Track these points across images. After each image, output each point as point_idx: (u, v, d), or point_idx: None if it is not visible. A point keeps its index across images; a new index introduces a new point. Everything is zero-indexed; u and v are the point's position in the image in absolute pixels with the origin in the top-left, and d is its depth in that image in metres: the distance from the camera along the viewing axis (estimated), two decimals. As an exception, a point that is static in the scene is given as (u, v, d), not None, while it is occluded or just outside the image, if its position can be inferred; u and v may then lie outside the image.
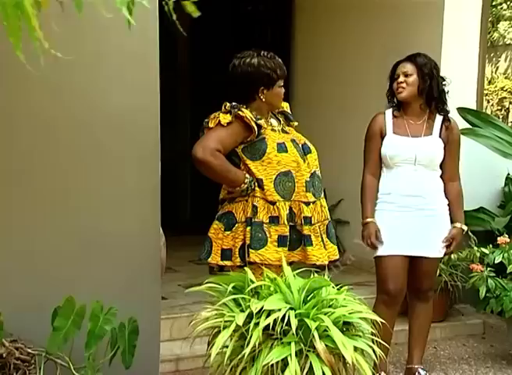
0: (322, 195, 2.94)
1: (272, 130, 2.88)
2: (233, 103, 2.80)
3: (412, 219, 3.37)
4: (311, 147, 2.96)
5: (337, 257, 2.95)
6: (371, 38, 5.31)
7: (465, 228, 3.48)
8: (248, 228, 2.76)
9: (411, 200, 3.38)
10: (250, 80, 2.83)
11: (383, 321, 2.56)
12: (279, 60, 2.89)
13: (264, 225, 2.76)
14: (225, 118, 2.75)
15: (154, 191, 3.01)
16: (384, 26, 5.18)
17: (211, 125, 2.77)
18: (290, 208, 2.80)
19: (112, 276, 2.92)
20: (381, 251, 3.40)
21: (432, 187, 3.41)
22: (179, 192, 7.20)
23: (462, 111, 4.55)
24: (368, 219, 3.40)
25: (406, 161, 3.38)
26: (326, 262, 2.84)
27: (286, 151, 2.82)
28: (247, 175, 2.79)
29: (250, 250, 2.73)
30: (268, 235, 2.75)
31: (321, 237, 2.87)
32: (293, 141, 2.89)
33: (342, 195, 5.50)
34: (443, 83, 3.42)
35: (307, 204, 2.83)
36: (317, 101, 5.92)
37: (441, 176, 3.45)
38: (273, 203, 2.78)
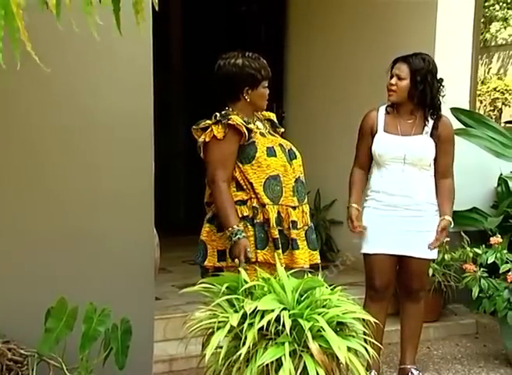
0: (306, 201, 2.96)
1: (261, 133, 2.89)
2: (222, 112, 2.82)
3: (399, 219, 3.37)
4: (297, 153, 2.98)
5: (318, 261, 2.96)
6: (365, 37, 5.31)
7: (451, 220, 3.40)
8: (250, 227, 2.78)
9: (399, 199, 3.38)
10: (235, 80, 2.85)
11: (376, 321, 2.56)
12: (264, 61, 2.91)
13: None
14: (219, 131, 2.77)
15: (147, 191, 3.01)
16: (377, 25, 5.18)
17: (207, 139, 2.78)
18: (278, 212, 2.81)
19: (105, 276, 2.92)
20: (366, 249, 3.43)
21: (421, 187, 3.39)
22: (173, 193, 7.19)
23: (455, 111, 4.56)
24: (351, 204, 3.44)
25: (395, 159, 3.38)
26: (308, 266, 2.86)
27: (275, 156, 2.85)
28: (239, 226, 2.72)
29: (257, 250, 2.76)
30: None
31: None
32: (280, 145, 2.92)
33: (335, 196, 5.50)
34: (442, 83, 3.38)
35: (294, 208, 2.85)
36: (310, 100, 5.91)
37: (434, 174, 3.44)
38: (264, 205, 2.80)
